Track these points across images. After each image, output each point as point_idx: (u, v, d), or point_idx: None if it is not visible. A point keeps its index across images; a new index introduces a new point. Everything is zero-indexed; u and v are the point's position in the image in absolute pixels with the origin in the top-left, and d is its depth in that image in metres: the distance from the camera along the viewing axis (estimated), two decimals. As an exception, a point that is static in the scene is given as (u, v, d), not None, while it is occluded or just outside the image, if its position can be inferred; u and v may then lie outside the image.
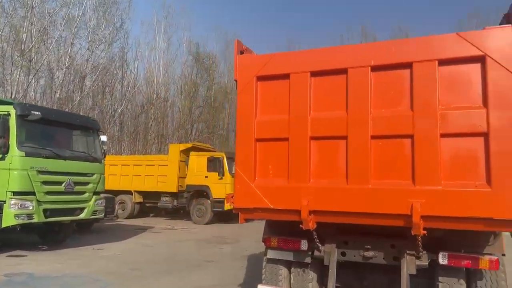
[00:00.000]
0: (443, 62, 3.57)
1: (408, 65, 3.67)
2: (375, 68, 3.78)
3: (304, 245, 4.47)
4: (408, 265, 4.05)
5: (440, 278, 4.18)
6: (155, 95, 32.63)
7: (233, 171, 14.91)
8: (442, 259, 3.99)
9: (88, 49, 26.73)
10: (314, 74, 4.01)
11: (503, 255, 4.03)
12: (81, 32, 26.64)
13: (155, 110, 31.88)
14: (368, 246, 4.27)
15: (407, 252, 4.10)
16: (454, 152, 3.51)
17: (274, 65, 4.15)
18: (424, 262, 4.09)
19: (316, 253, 4.44)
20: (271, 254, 4.75)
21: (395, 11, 51.71)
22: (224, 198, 16.47)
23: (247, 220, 4.44)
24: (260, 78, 4.21)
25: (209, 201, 16.91)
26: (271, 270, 4.88)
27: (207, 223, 16.82)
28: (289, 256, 4.66)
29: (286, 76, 4.12)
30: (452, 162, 3.50)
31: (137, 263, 8.18)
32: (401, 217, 3.61)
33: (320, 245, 4.35)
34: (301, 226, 3.96)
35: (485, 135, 3.40)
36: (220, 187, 16.61)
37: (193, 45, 36.53)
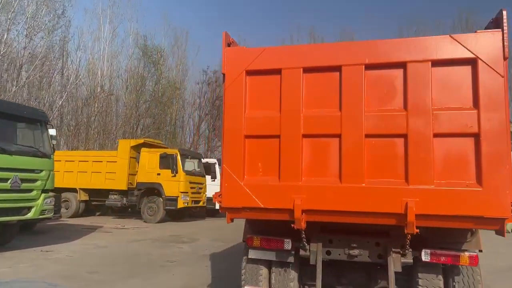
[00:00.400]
0: (436, 63, 3.63)
1: (402, 65, 3.70)
2: (369, 67, 3.77)
3: (287, 244, 4.40)
4: (394, 263, 4.11)
5: (419, 275, 4.29)
6: (99, 88, 31.10)
7: (186, 168, 14.72)
8: (425, 256, 4.09)
9: (26, 36, 24.87)
10: (306, 70, 3.93)
11: (480, 251, 4.21)
12: (19, 18, 24.73)
13: (99, 104, 30.38)
14: (354, 245, 4.28)
15: (393, 250, 4.16)
16: (446, 151, 3.59)
17: (264, 60, 4.02)
18: (409, 259, 4.17)
19: (301, 252, 4.38)
20: (253, 254, 4.62)
21: (342, 15, 53.48)
22: (177, 196, 16.22)
23: (232, 220, 4.28)
24: (250, 73, 4.06)
25: (161, 199, 16.41)
26: (252, 270, 4.76)
27: (158, 222, 16.32)
28: (271, 256, 4.56)
29: (277, 72, 4.00)
30: (444, 161, 3.57)
31: (94, 265, 7.67)
32: (395, 216, 3.64)
33: (306, 244, 4.30)
34: (292, 225, 3.88)
35: (476, 136, 3.50)
36: (173, 185, 16.19)
37: (140, 37, 35.32)
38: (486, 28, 3.77)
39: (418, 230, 3.61)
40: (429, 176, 3.54)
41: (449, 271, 4.33)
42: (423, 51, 3.66)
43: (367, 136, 3.72)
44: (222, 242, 11.52)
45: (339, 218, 3.84)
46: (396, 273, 4.27)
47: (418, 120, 3.61)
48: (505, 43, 3.47)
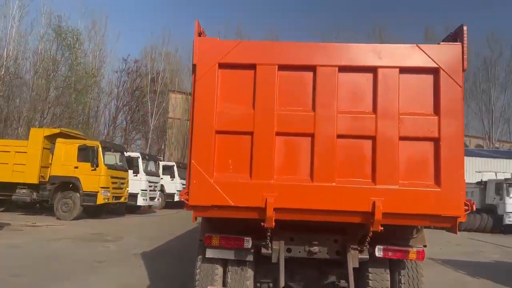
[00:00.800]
0: (403, 70, 3.84)
1: (373, 70, 3.85)
2: (342, 69, 3.87)
3: (248, 243, 4.35)
4: (353, 259, 4.27)
5: (370, 269, 4.53)
6: (3, 69, 27.99)
7: (108, 162, 13.97)
8: (378, 252, 4.32)
9: None
10: (281, 68, 3.90)
11: (425, 246, 4.55)
12: None
13: (3, 87, 27.36)
14: (316, 242, 4.37)
15: (351, 246, 4.32)
16: (409, 154, 3.81)
17: (239, 53, 3.91)
18: (366, 255, 4.37)
19: (263, 250, 4.36)
20: (210, 253, 4.49)
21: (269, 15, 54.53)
22: (96, 192, 15.22)
23: (196, 218, 4.11)
24: (223, 66, 3.92)
25: (78, 194, 15.24)
26: (207, 270, 4.61)
27: (74, 219, 15.13)
28: (230, 255, 4.47)
29: (251, 67, 3.92)
30: (408, 163, 3.79)
31: (14, 267, 6.87)
32: (363, 214, 3.78)
33: (270, 242, 4.29)
34: (262, 224, 3.83)
35: (436, 140, 3.78)
36: (92, 179, 15.15)
37: (54, 17, 32.48)
38: (443, 41, 4.08)
39: (382, 228, 3.79)
40: (395, 177, 3.74)
41: (395, 266, 4.62)
42: (393, 57, 3.85)
43: (339, 136, 3.81)
44: (149, 240, 11.10)
45: (310, 216, 3.89)
46: (340, 266, 4.47)
47: (386, 123, 3.78)
48: (464, 56, 3.78)
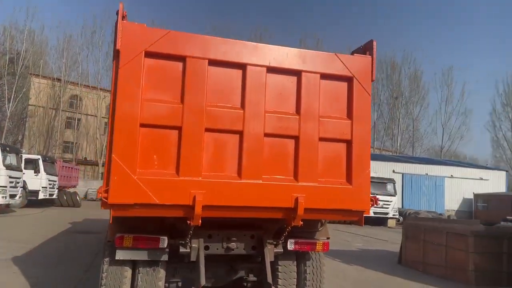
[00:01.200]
0: (323, 76, 4.13)
1: (298, 73, 4.06)
2: (270, 70, 3.98)
3: (163, 242, 4.21)
4: (270, 253, 4.44)
5: (279, 262, 4.78)
6: None
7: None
8: (290, 245, 4.59)
9: None
10: (212, 62, 3.85)
11: (328, 238, 4.96)
12: None
13: None
14: (234, 238, 4.42)
15: (268, 241, 4.49)
16: (326, 154, 4.11)
17: (168, 43, 3.73)
18: (280, 249, 4.59)
19: (181, 249, 4.25)
20: (121, 255, 4.22)
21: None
22: None
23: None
24: (150, 54, 3.70)
25: None
26: (115, 273, 4.32)
27: None
28: (143, 255, 4.26)
29: (180, 59, 3.79)
30: (325, 162, 4.09)
31: None
32: (286, 210, 3.96)
33: (189, 240, 4.20)
34: (189, 222, 3.73)
35: (349, 142, 4.15)
36: None
37: None
38: (354, 53, 4.49)
39: (302, 223, 4.02)
40: (314, 175, 4.00)
41: (301, 257, 4.95)
42: (315, 63, 4.11)
43: (266, 135, 3.91)
44: (18, 243, 9.81)
45: (237, 213, 3.92)
46: (248, 261, 4.64)
47: (308, 124, 4.02)
48: (373, 67, 4.23)
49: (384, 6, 77.89)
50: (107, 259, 4.34)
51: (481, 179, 37.23)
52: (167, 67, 3.78)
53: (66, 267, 7.56)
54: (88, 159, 49.32)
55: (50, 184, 22.91)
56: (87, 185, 36.31)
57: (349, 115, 4.18)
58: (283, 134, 3.99)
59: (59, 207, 23.99)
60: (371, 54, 4.27)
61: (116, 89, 3.60)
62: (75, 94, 49.28)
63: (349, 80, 4.19)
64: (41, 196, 21.93)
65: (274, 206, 3.92)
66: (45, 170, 22.27)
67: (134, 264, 4.38)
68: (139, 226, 4.24)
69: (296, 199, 3.88)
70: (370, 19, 78.73)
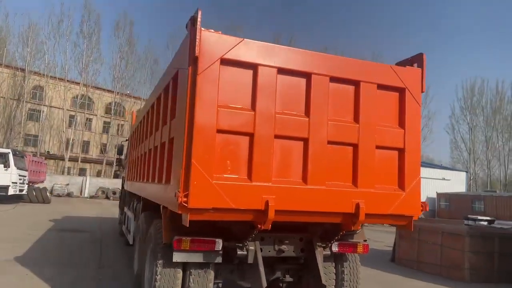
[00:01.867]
0: (380, 87, 4.31)
1: (357, 83, 4.22)
2: (333, 79, 4.12)
3: (218, 245, 4.28)
4: (320, 256, 4.59)
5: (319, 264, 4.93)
6: None
7: None
8: (334, 247, 4.77)
9: None
10: (280, 71, 3.94)
11: (365, 241, 5.17)
12: None
13: None
14: (287, 241, 4.55)
15: (318, 244, 4.64)
16: (382, 161, 4.29)
17: (241, 51, 3.79)
18: (328, 251, 4.75)
19: (239, 252, 4.32)
20: (179, 257, 4.26)
21: None
22: None
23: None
24: (225, 62, 3.74)
25: None
26: (169, 275, 4.36)
27: None
28: (199, 258, 4.32)
29: (252, 67, 3.85)
30: (380, 169, 4.28)
31: None
32: (344, 215, 4.12)
33: (247, 243, 4.28)
34: (260, 226, 3.81)
35: (401, 150, 4.36)
36: None
37: None
38: (399, 64, 4.70)
39: (360, 227, 4.20)
40: (371, 181, 4.18)
41: (339, 259, 5.14)
42: (372, 73, 4.28)
43: (328, 142, 4.05)
44: (7, 243, 9.47)
45: (302, 217, 4.04)
46: (286, 263, 4.79)
47: (366, 133, 4.20)
48: (423, 80, 4.46)
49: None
50: (160, 261, 4.36)
51: (444, 179, 39.14)
52: (239, 74, 3.83)
53: (75, 267, 7.40)
54: (51, 153, 47.51)
55: (20, 179, 21.99)
56: (53, 180, 35.02)
57: (401, 124, 4.39)
58: (344, 142, 4.14)
59: (28, 203, 23.06)
60: (420, 67, 4.50)
61: (193, 95, 3.62)
62: (38, 85, 47.27)
63: (401, 91, 4.40)
64: (11, 192, 21.03)
65: (335, 212, 4.07)
66: (15, 165, 21.36)
67: (184, 266, 4.42)
68: (193, 229, 4.28)
69: (357, 205, 4.04)
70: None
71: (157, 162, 5.02)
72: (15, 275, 6.50)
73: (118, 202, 32.81)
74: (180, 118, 3.92)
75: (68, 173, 44.06)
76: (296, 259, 4.85)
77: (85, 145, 49.88)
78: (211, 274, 4.48)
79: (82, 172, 46.77)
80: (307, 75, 4.04)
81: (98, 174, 47.83)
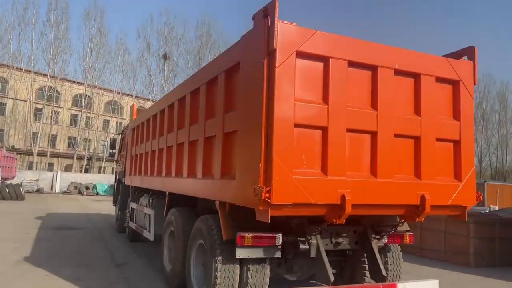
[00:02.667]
0: (438, 79, 4.36)
1: (418, 76, 4.24)
2: (397, 72, 4.13)
3: (279, 240, 4.24)
4: (375, 247, 4.63)
5: (364, 255, 4.99)
6: None
7: None
8: (384, 239, 4.83)
9: None
10: (350, 64, 3.90)
11: (408, 231, 5.26)
12: None
13: None
14: (344, 234, 4.55)
15: (373, 236, 4.68)
16: (440, 153, 4.35)
17: (315, 44, 3.72)
18: (381, 243, 4.80)
19: (301, 246, 4.28)
20: (241, 253, 4.19)
21: None
22: None
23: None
24: (300, 55, 3.66)
25: None
26: (229, 271, 4.30)
27: None
28: (259, 253, 4.27)
29: (324, 59, 3.79)
30: (439, 161, 4.33)
31: None
32: (408, 207, 4.16)
33: (311, 237, 4.26)
34: (335, 220, 3.78)
35: (457, 142, 4.43)
36: None
37: None
38: (447, 56, 4.76)
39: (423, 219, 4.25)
40: (433, 173, 4.24)
41: (382, 250, 5.20)
42: (430, 66, 4.31)
43: (395, 135, 4.07)
44: (5, 242, 9.05)
45: (370, 211, 4.05)
46: (339, 254, 4.83)
47: (427, 125, 4.24)
48: (475, 72, 4.54)
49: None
50: (220, 258, 4.28)
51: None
52: (312, 67, 3.77)
53: (92, 267, 7.14)
54: (16, 147, 45.46)
55: (-7, 176, 20.98)
56: (21, 176, 33.55)
57: (456, 116, 4.46)
58: (408, 135, 4.16)
59: (1, 200, 22.04)
60: (471, 59, 4.58)
61: (271, 88, 3.53)
62: (2, 77, 44.99)
63: (456, 83, 4.46)
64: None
65: (402, 204, 4.11)
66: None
67: (241, 261, 4.36)
68: (252, 225, 4.22)
69: (423, 197, 4.09)
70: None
71: (206, 156, 4.88)
72: (35, 277, 6.20)
73: (93, 197, 32.39)
74: (249, 111, 3.80)
75: (36, 168, 42.29)
76: (342, 251, 4.86)
77: (52, 139, 48.04)
78: (268, 268, 4.45)
79: (49, 167, 45.10)
80: (373, 68, 4.02)
81: (67, 169, 46.27)
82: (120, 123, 52.87)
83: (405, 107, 4.20)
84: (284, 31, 3.58)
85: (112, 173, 47.98)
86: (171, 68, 47.40)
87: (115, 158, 13.38)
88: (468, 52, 4.64)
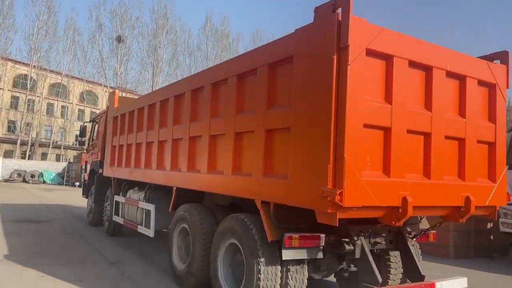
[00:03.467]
0: (479, 83, 4.42)
1: (463, 78, 4.27)
2: (448, 74, 4.12)
3: (322, 240, 4.15)
4: (411, 246, 4.66)
5: (390, 253, 5.05)
6: None
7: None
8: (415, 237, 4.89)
9: None
10: (410, 63, 3.84)
11: (429, 229, 5.35)
12: None
13: None
14: (384, 234, 4.53)
15: (408, 236, 4.70)
16: (479, 155, 4.43)
17: (382, 41, 3.60)
18: (414, 242, 4.84)
19: (347, 246, 4.21)
20: (288, 254, 4.06)
21: None
22: None
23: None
24: (368, 52, 3.53)
25: None
26: (272, 273, 4.16)
27: None
28: (303, 254, 4.16)
29: (389, 58, 3.69)
30: (477, 163, 4.41)
31: None
32: (452, 208, 4.21)
33: (356, 238, 4.19)
34: (393, 223, 3.72)
35: (492, 144, 4.54)
36: None
37: None
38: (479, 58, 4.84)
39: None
40: (474, 175, 4.32)
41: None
42: (474, 69, 4.36)
43: (446, 137, 4.08)
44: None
45: (421, 212, 4.05)
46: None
47: (471, 127, 4.29)
48: (508, 76, 4.66)
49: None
50: (262, 259, 4.10)
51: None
52: (377, 65, 3.66)
53: (84, 264, 6.66)
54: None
55: None
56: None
57: (492, 119, 4.56)
58: (455, 137, 4.18)
59: None
60: (505, 63, 4.68)
61: (342, 86, 3.37)
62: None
63: (492, 86, 4.55)
64: None
65: (449, 205, 4.14)
66: None
67: (281, 262, 4.22)
68: (295, 225, 4.11)
69: (467, 198, 4.14)
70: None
71: (237, 152, 4.65)
72: (30, 277, 5.66)
73: (41, 185, 30.45)
74: (310, 108, 3.62)
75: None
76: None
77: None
78: (306, 269, 4.34)
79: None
80: (429, 68, 3.99)
81: (6, 154, 43.13)
82: (66, 107, 50.00)
83: (452, 109, 4.22)
84: (357, 27, 3.43)
85: (58, 160, 45.75)
86: (125, 52, 45.36)
87: (85, 146, 12.56)
88: (501, 56, 4.74)
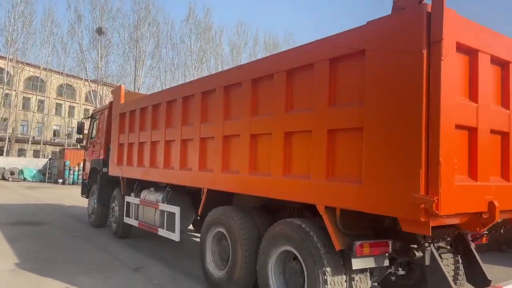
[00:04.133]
0: None
1: None
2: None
3: (390, 247, 3.91)
4: (474, 249, 4.48)
5: (442, 256, 4.85)
6: None
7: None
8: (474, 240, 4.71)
9: None
10: (492, 60, 3.60)
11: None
12: None
13: None
14: (449, 238, 4.33)
15: (470, 239, 4.52)
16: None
17: (468, 34, 3.35)
18: (474, 245, 4.65)
19: (417, 253, 3.98)
20: (358, 263, 3.82)
21: None
22: None
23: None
24: (457, 47, 3.27)
25: None
26: (338, 283, 3.91)
27: None
28: (371, 263, 3.91)
29: (474, 53, 3.44)
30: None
31: None
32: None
33: (427, 243, 3.97)
34: (478, 229, 3.49)
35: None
36: None
37: None
38: None
39: None
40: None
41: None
42: None
43: None
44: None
45: (507, 215, 3.83)
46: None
47: None
48: None
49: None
50: (328, 269, 3.83)
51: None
52: (463, 60, 3.40)
53: (107, 271, 6.25)
54: None
55: None
56: None
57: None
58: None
59: None
60: None
61: (433, 84, 3.09)
62: None
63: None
64: None
65: None
66: None
67: (345, 271, 3.97)
68: (352, 231, 3.86)
69: None
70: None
71: (287, 153, 4.34)
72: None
73: (22, 183, 29.34)
74: (393, 108, 3.32)
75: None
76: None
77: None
78: (369, 277, 4.10)
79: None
80: (505, 64, 3.76)
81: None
82: (42, 101, 48.33)
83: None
84: (449, 19, 3.15)
85: (36, 157, 44.18)
86: (106, 44, 43.97)
87: (84, 144, 11.98)
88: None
